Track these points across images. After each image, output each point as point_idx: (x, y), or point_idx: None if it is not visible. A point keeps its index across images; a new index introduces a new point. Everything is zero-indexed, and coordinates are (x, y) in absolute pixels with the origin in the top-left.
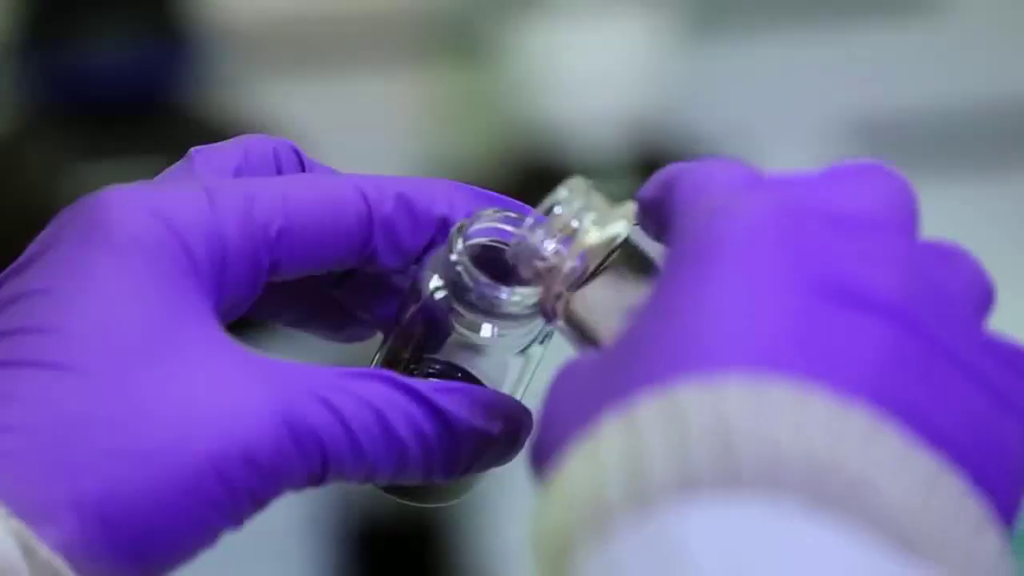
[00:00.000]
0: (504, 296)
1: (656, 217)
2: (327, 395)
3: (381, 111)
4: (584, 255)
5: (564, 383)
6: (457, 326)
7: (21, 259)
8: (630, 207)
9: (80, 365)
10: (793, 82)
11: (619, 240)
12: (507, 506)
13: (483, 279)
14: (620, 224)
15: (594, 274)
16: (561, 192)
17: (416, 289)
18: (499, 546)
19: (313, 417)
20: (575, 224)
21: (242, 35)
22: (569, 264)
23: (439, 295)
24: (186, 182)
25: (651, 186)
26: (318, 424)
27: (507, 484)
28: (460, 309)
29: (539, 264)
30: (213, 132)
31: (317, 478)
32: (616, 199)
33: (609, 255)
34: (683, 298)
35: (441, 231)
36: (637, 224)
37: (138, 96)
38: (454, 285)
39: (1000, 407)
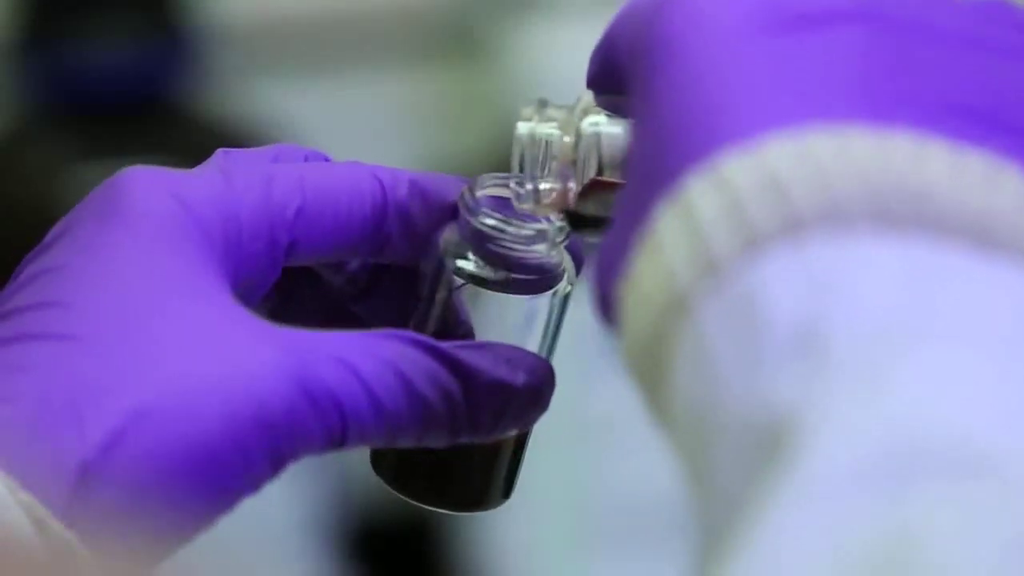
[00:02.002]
0: (528, 228)
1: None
2: (341, 353)
3: (381, 111)
4: (570, 169)
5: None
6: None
7: (44, 240)
8: (588, 99)
9: (86, 334)
10: None
11: (597, 131)
12: (507, 504)
13: (506, 220)
14: (588, 121)
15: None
16: (521, 145)
17: (432, 268)
18: (499, 546)
19: (327, 374)
20: (553, 153)
21: (242, 35)
22: (567, 179)
23: (462, 264)
24: (206, 168)
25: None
26: (332, 380)
27: None
28: (482, 269)
29: (544, 189)
30: (213, 132)
31: (337, 438)
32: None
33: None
34: (705, 79)
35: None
36: (599, 105)
37: (138, 96)
38: (477, 239)
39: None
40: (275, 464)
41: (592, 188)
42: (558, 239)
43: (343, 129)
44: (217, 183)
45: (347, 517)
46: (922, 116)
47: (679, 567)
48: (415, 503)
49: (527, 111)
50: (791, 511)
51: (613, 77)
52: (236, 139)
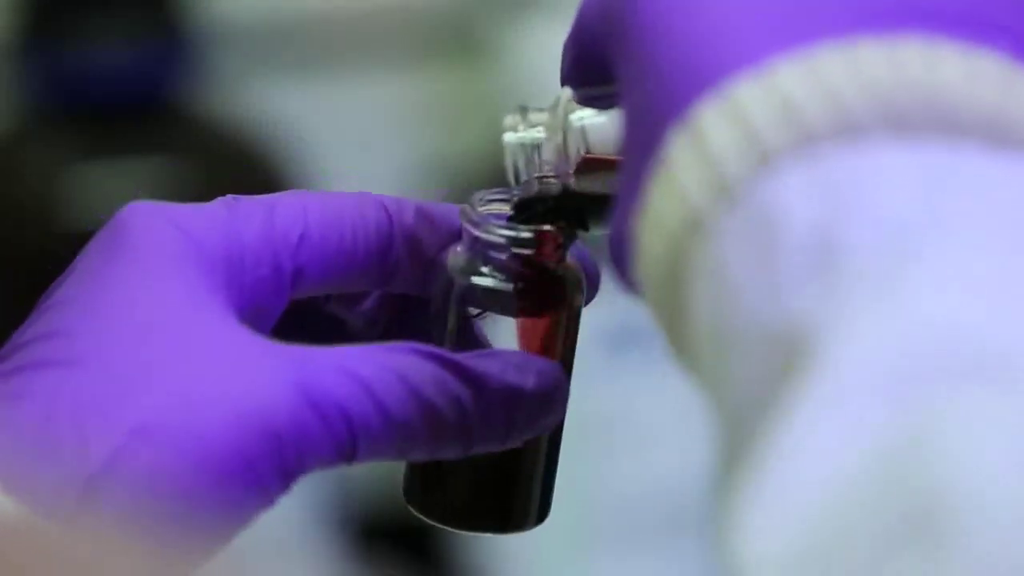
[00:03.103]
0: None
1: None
2: (345, 364)
3: (381, 111)
4: (565, 162)
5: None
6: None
7: (58, 279)
8: (566, 97)
9: (88, 358)
10: None
11: (583, 124)
12: None
13: (514, 227)
14: (574, 117)
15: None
16: (512, 155)
17: (442, 291)
18: (500, 544)
19: (331, 384)
20: (546, 157)
21: (242, 35)
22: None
23: (477, 280)
24: (209, 203)
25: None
26: (337, 390)
27: None
28: (499, 281)
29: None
30: (213, 132)
31: (347, 449)
32: None
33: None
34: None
35: None
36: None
37: (138, 96)
38: (488, 250)
39: None
40: (284, 477)
41: (586, 165)
42: (567, 242)
43: (343, 129)
44: (219, 212)
45: (348, 515)
46: (928, 24)
47: (680, 567)
48: (454, 529)
49: (510, 120)
50: (809, 417)
51: (589, 65)
52: (236, 139)
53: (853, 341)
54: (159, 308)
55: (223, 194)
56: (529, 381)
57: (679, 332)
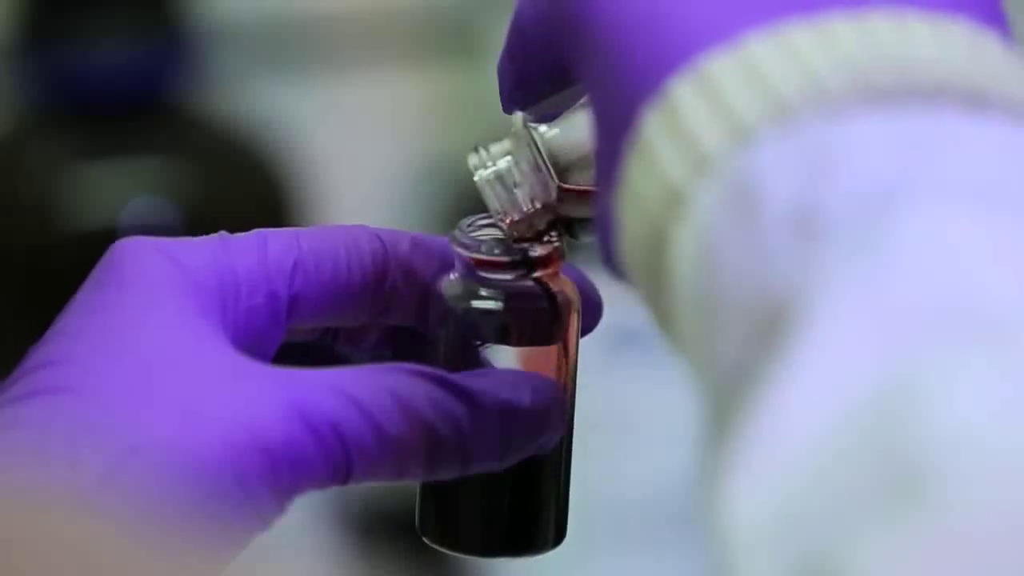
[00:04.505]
0: (531, 252)
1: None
2: (338, 384)
3: (380, 111)
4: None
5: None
6: (484, 330)
7: (58, 315)
8: (518, 120)
9: (80, 385)
10: None
11: (543, 136)
12: None
13: (507, 247)
14: (535, 134)
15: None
16: (489, 187)
17: (438, 317)
18: None
19: (324, 403)
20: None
21: (242, 35)
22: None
23: (476, 304)
24: (201, 238)
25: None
26: (330, 408)
27: None
28: (498, 302)
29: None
30: (213, 132)
31: (343, 468)
32: None
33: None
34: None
35: None
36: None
37: (138, 96)
38: (476, 273)
39: None
40: (279, 495)
41: (567, 195)
42: (560, 255)
43: (343, 129)
44: (211, 245)
45: (348, 513)
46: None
47: (680, 567)
48: (472, 557)
49: (474, 160)
50: (790, 379)
51: (532, 81)
52: (236, 139)
53: (834, 302)
54: (151, 334)
55: (223, 194)
56: (524, 397)
57: (663, 308)
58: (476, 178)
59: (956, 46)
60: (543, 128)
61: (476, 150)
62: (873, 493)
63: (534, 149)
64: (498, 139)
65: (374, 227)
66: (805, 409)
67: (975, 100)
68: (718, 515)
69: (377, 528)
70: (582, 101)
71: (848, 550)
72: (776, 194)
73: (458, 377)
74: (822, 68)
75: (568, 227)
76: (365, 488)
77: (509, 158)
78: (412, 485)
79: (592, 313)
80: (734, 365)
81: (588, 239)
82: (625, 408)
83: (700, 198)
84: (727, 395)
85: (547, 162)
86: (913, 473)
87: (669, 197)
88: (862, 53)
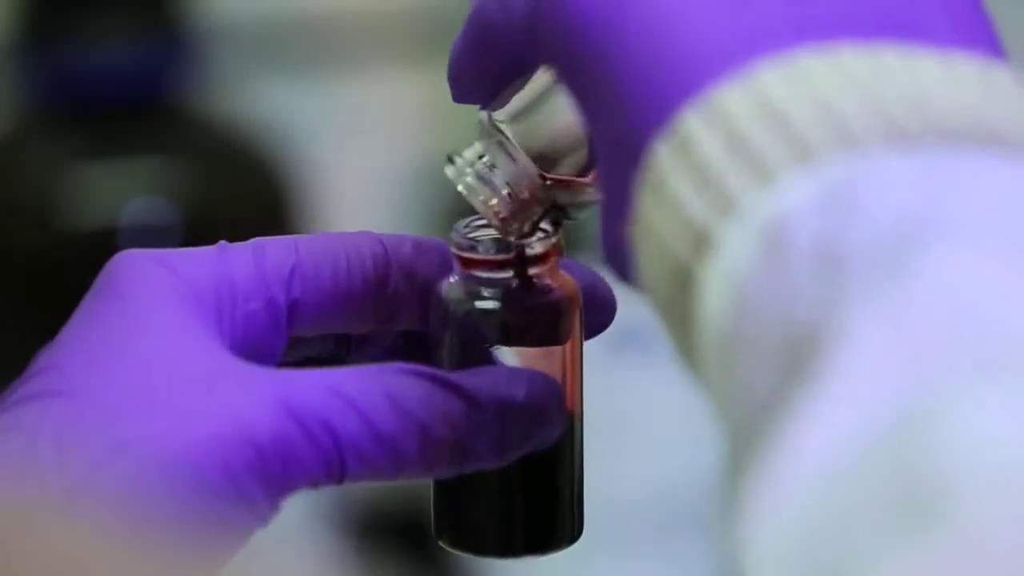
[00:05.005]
0: (529, 247)
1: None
2: (329, 382)
3: (381, 111)
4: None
5: None
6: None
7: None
8: (483, 116)
9: (71, 387)
10: None
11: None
12: None
13: (505, 244)
14: (504, 129)
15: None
16: (473, 192)
17: (439, 319)
18: None
19: (315, 399)
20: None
21: (242, 35)
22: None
23: (480, 304)
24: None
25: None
26: (321, 405)
27: None
28: (499, 302)
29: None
30: (213, 132)
31: (336, 465)
32: None
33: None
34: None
35: None
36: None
37: (138, 96)
38: (475, 273)
39: None
40: (271, 492)
41: (552, 183)
42: (558, 249)
43: (343, 129)
44: (208, 253)
45: (349, 512)
46: (898, 32)
47: (681, 567)
48: (491, 558)
49: (451, 171)
50: (814, 409)
51: (496, 75)
52: (236, 139)
53: (858, 335)
54: (145, 340)
55: (223, 194)
56: (519, 393)
57: (688, 342)
58: (459, 187)
59: (967, 81)
60: (501, 118)
61: (451, 160)
62: (890, 512)
63: (508, 144)
64: (468, 144)
65: (376, 231)
66: (826, 436)
67: (990, 138)
68: (737, 539)
69: (377, 529)
70: (537, 85)
71: (865, 567)
72: (802, 233)
73: (452, 375)
74: (841, 105)
75: (561, 211)
76: (365, 488)
77: (486, 159)
78: (412, 486)
79: (603, 311)
80: (759, 401)
81: (581, 216)
82: (625, 408)
83: (728, 241)
84: (753, 428)
85: (523, 153)
86: (930, 492)
87: (695, 239)
88: (877, 88)
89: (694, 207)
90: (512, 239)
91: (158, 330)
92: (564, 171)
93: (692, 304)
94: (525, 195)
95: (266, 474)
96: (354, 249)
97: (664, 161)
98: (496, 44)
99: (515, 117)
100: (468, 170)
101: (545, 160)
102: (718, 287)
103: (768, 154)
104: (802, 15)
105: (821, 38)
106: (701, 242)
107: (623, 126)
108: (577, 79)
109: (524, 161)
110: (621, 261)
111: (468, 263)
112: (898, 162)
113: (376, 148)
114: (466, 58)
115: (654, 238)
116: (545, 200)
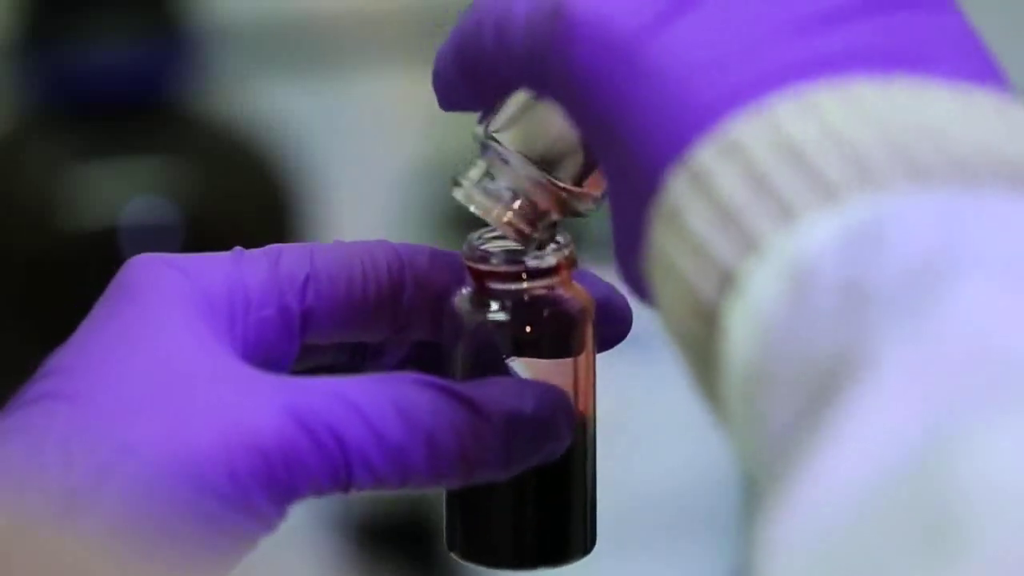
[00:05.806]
0: (543, 258)
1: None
2: (337, 390)
3: (381, 110)
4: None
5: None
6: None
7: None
8: (479, 131)
9: (80, 390)
10: None
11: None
12: None
13: (518, 258)
14: (501, 139)
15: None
16: (482, 206)
17: (451, 330)
18: None
19: (322, 407)
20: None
21: (242, 35)
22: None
23: (493, 316)
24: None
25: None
26: (328, 412)
27: None
28: (513, 314)
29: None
30: (213, 132)
31: (343, 473)
32: None
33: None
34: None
35: None
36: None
37: (138, 96)
38: (488, 284)
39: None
40: (276, 498)
41: (561, 190)
42: (570, 264)
43: (343, 129)
44: (223, 258)
45: (351, 517)
46: (909, 65)
47: (681, 567)
48: (505, 570)
49: (459, 194)
50: (837, 441)
51: (487, 94)
52: (236, 139)
53: (884, 367)
54: (154, 343)
55: (223, 194)
56: (528, 405)
57: (709, 377)
58: (472, 209)
59: (983, 115)
60: (497, 128)
61: (457, 184)
62: (914, 542)
63: (510, 155)
64: (470, 161)
65: (380, 233)
66: (851, 465)
67: (1010, 173)
68: (760, 561)
69: (379, 534)
70: (524, 95)
71: None
72: (827, 271)
73: (461, 385)
74: (861, 141)
75: (573, 215)
76: (367, 496)
77: (491, 174)
78: (415, 494)
79: (618, 323)
80: (786, 432)
81: (592, 211)
82: (626, 409)
83: (753, 280)
84: (777, 461)
85: (526, 161)
86: (955, 523)
87: (719, 278)
88: (894, 123)
89: (716, 244)
90: (532, 248)
91: (168, 335)
92: (566, 173)
93: (716, 342)
94: (537, 203)
95: (272, 481)
96: (369, 258)
97: (679, 193)
98: (491, 70)
99: (511, 127)
100: (475, 189)
101: (549, 165)
102: (744, 326)
103: (790, 192)
104: (814, 50)
105: (834, 72)
106: (725, 281)
107: (634, 160)
108: (588, 119)
109: (529, 169)
110: (637, 284)
111: (481, 275)
112: (921, 199)
113: (376, 148)
114: (455, 75)
115: (673, 273)
116: (558, 204)
